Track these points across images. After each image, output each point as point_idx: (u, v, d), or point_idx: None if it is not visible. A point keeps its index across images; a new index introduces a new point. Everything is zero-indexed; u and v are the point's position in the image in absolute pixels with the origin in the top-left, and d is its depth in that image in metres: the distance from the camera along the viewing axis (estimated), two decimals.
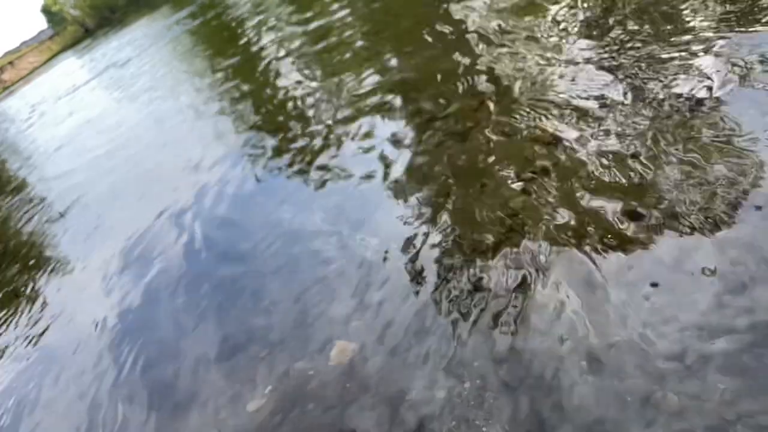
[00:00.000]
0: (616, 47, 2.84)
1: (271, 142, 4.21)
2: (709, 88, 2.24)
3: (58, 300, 3.73)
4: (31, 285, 4.19)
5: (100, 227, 4.55)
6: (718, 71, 2.29)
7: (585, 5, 3.44)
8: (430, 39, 4.31)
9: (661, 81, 2.44)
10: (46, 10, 41.89)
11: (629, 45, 2.79)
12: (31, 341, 3.42)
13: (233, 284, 2.78)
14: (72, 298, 3.64)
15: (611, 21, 3.09)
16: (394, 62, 4.30)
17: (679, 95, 2.30)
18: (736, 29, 2.47)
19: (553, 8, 3.63)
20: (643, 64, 2.60)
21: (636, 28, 2.90)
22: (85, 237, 4.55)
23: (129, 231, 4.05)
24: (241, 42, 8.16)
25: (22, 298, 4.04)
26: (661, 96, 2.35)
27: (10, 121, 17.33)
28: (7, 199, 7.45)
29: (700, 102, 2.20)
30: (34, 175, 8.18)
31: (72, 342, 3.12)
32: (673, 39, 2.66)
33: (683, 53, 2.53)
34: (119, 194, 5.06)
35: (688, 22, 2.71)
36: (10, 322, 3.80)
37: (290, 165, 3.66)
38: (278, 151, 3.98)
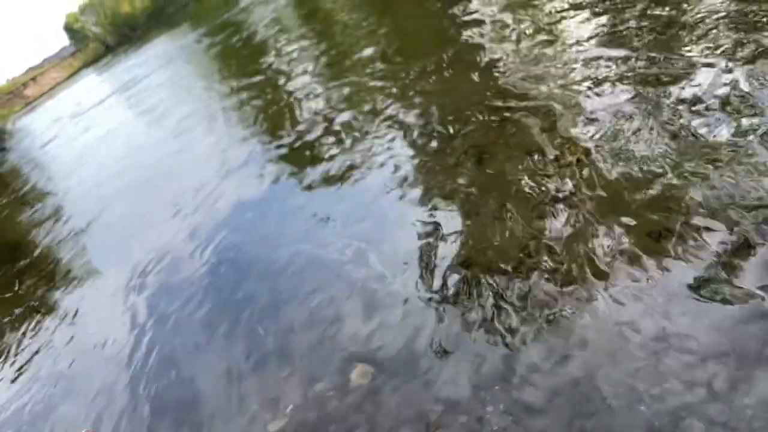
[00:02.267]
0: (644, 61, 2.85)
1: (286, 159, 4.27)
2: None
3: (79, 315, 3.79)
4: (52, 299, 4.26)
5: (120, 242, 4.63)
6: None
7: (607, 16, 3.46)
8: (445, 55, 4.36)
9: (688, 95, 2.44)
10: (68, 28, 43.01)
11: (659, 61, 2.79)
12: (50, 356, 3.48)
13: (253, 302, 2.81)
14: (92, 314, 3.70)
15: (640, 32, 3.10)
16: (411, 81, 4.35)
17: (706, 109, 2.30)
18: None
19: (576, 18, 3.67)
20: (674, 80, 2.60)
21: (668, 45, 2.91)
22: (107, 252, 4.64)
23: (148, 246, 4.12)
24: (259, 61, 8.31)
25: (44, 313, 4.12)
26: (690, 113, 2.35)
27: (32, 136, 17.75)
28: (30, 212, 7.61)
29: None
30: (56, 189, 8.35)
31: (90, 358, 3.17)
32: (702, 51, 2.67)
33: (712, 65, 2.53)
34: (138, 209, 5.15)
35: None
36: (31, 336, 3.86)
37: (306, 182, 3.70)
38: (295, 168, 4.03)
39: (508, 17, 4.45)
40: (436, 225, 2.56)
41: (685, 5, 3.11)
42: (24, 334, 3.96)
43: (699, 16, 2.95)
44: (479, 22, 4.67)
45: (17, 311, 4.44)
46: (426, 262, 2.37)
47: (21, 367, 3.52)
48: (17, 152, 15.82)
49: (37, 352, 3.60)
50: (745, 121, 2.14)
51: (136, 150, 7.43)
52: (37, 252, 5.64)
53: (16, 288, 4.96)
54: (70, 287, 4.32)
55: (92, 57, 36.64)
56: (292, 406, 2.07)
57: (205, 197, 4.37)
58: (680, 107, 2.41)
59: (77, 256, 4.94)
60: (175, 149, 6.39)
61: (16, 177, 11.70)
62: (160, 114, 8.57)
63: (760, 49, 2.45)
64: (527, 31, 3.98)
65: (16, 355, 3.72)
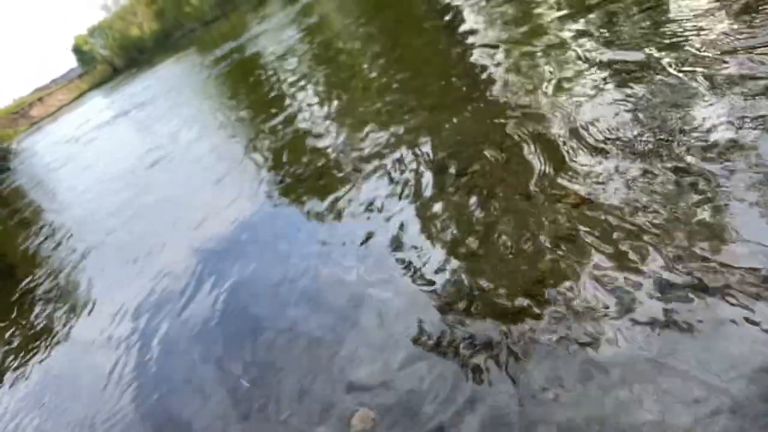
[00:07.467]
0: (650, 96, 2.88)
1: (287, 192, 4.29)
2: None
3: (75, 346, 3.75)
4: (52, 327, 4.22)
5: (120, 268, 4.61)
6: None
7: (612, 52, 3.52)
8: (449, 91, 4.42)
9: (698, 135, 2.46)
10: (76, 49, 43.85)
11: (661, 100, 2.83)
12: (43, 390, 3.43)
13: (251, 340, 2.78)
14: (87, 347, 3.65)
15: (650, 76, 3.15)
16: (415, 118, 4.40)
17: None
18: None
19: (580, 52, 3.72)
20: (680, 123, 2.63)
21: (673, 82, 2.94)
22: (106, 278, 4.62)
23: (147, 274, 4.11)
24: (264, 89, 8.44)
25: (40, 341, 4.08)
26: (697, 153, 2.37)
27: (36, 157, 17.91)
28: (31, 233, 7.61)
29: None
30: (58, 210, 8.38)
31: (81, 394, 3.12)
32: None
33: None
34: (139, 235, 5.15)
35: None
36: (26, 367, 3.82)
37: (309, 217, 3.71)
38: (296, 202, 4.05)
39: (516, 54, 4.53)
40: (441, 265, 2.55)
41: (700, 50, 3.16)
42: (21, 363, 3.91)
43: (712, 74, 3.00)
44: (488, 56, 4.75)
45: (15, 339, 4.40)
46: (430, 304, 2.35)
47: (13, 399, 3.46)
48: (21, 172, 15.92)
49: (31, 382, 3.54)
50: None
51: (139, 175, 7.47)
52: (36, 276, 5.62)
53: (14, 315, 4.92)
54: (70, 314, 4.29)
55: (99, 79, 37.25)
56: None
57: (206, 225, 4.38)
58: (685, 156, 2.43)
59: (78, 281, 4.91)
60: (177, 175, 6.43)
61: (19, 197, 11.75)
62: (164, 139, 8.66)
63: None
64: (538, 70, 4.04)
65: (10, 386, 3.67)
